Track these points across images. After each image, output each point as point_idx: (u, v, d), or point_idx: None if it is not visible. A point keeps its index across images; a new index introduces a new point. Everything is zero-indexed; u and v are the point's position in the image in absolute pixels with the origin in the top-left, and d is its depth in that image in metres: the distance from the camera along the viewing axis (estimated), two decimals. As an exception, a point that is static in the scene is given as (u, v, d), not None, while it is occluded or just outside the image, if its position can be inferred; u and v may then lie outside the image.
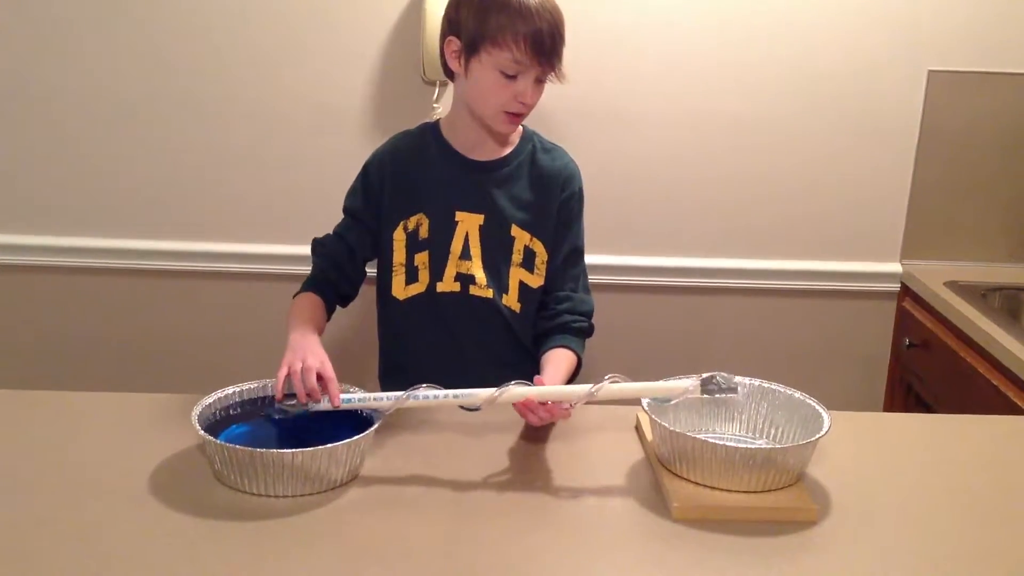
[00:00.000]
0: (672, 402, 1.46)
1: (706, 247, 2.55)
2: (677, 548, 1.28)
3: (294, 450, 1.32)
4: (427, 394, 1.43)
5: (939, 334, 2.32)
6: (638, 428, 1.59)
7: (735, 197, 2.52)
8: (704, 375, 1.42)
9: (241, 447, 1.33)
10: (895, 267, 2.57)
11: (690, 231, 2.54)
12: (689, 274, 2.56)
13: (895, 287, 2.58)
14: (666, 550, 1.28)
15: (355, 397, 1.47)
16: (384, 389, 1.83)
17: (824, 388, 1.90)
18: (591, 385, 1.42)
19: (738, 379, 1.49)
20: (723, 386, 1.42)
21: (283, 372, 1.47)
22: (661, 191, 2.50)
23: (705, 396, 1.42)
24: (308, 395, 1.45)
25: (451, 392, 1.44)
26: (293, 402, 1.46)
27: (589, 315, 1.80)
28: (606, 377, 1.42)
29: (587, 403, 1.43)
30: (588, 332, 1.80)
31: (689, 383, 1.42)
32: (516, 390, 1.43)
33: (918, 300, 2.48)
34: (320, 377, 1.46)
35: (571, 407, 1.45)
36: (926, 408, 2.38)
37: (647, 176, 2.49)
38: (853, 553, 1.28)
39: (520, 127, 1.79)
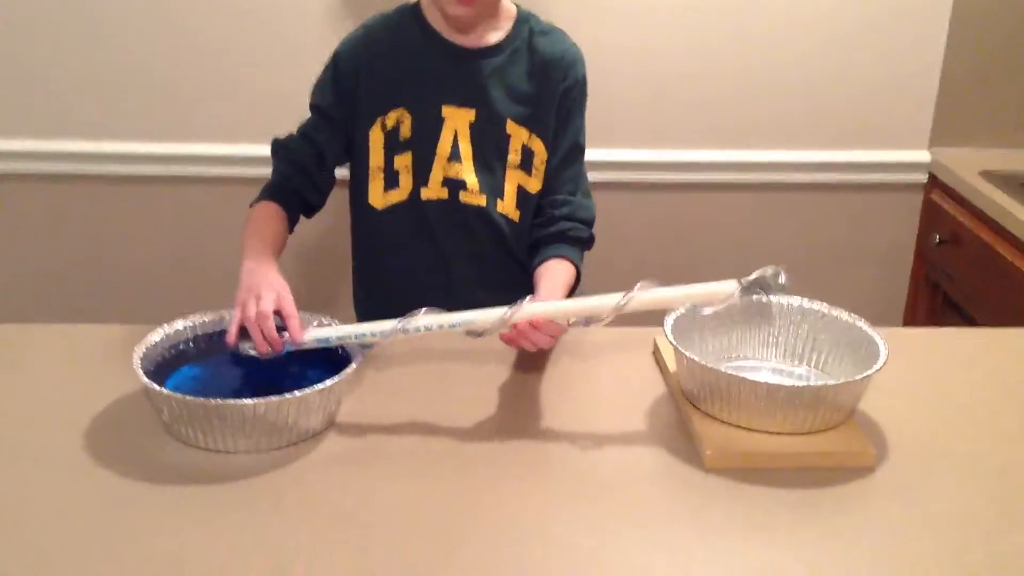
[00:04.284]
0: (711, 311, 1.26)
1: (716, 138, 2.38)
2: (712, 503, 1.12)
3: (256, 400, 1.13)
4: (421, 324, 1.22)
5: (973, 228, 2.21)
6: (656, 354, 1.41)
7: (748, 83, 2.34)
8: (745, 280, 1.20)
9: (192, 397, 1.14)
10: (923, 155, 2.42)
11: (699, 121, 2.37)
12: (696, 168, 2.40)
13: (922, 178, 2.43)
14: (699, 506, 1.12)
15: (332, 335, 1.27)
16: (360, 316, 1.71)
17: (841, 289, 1.82)
18: (620, 295, 1.19)
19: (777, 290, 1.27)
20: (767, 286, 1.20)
21: (237, 313, 1.28)
22: (670, 79, 2.33)
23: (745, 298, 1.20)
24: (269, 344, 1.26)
25: (452, 317, 1.23)
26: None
27: (590, 223, 1.63)
28: (637, 286, 1.19)
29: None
30: (588, 242, 1.63)
31: (732, 286, 1.19)
32: (531, 308, 1.22)
33: (948, 191, 2.35)
34: (279, 313, 1.27)
35: (567, 324, 1.26)
36: (955, 308, 2.27)
37: (656, 64, 2.32)
38: (920, 503, 1.12)
39: (514, 7, 1.60)
